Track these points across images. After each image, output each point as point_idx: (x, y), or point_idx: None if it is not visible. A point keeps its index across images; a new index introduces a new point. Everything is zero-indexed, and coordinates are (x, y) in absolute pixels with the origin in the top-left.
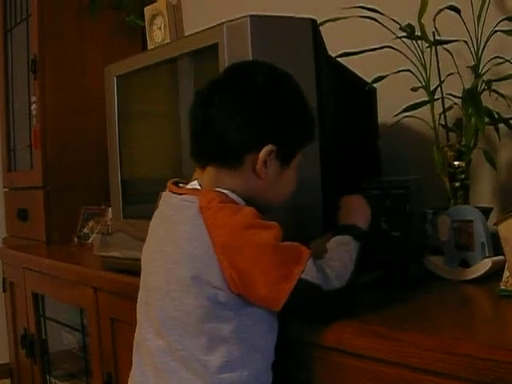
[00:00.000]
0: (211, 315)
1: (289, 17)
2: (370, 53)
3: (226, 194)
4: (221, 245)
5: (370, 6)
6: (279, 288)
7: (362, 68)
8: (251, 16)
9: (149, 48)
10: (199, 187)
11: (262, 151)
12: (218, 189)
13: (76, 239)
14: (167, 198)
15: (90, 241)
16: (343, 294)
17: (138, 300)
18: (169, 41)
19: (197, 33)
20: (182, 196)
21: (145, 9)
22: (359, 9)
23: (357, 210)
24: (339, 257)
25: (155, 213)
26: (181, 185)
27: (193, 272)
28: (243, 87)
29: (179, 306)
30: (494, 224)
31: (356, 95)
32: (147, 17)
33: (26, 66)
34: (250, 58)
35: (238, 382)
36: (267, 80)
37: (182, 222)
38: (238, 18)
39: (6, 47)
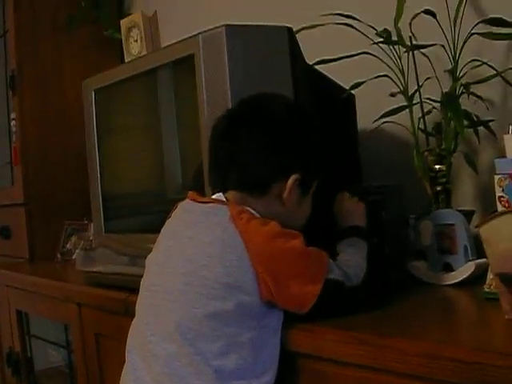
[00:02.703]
0: (234, 320)
1: (265, 25)
2: (347, 59)
3: (252, 212)
4: (255, 251)
5: (346, 13)
6: (308, 290)
7: (339, 75)
8: (226, 26)
9: (126, 60)
10: (225, 200)
11: (290, 180)
12: (248, 208)
13: (59, 255)
14: (189, 207)
15: (74, 257)
16: (361, 291)
17: (138, 302)
18: (145, 53)
19: (173, 44)
20: (211, 204)
21: (121, 21)
22: (336, 16)
23: (351, 211)
24: (351, 257)
25: (169, 220)
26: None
27: (223, 277)
28: (266, 118)
29: (199, 309)
30: (476, 226)
31: (334, 102)
32: (123, 29)
33: (4, 82)
34: (227, 68)
35: None
36: (287, 110)
37: (213, 228)
38: (213, 28)
39: None
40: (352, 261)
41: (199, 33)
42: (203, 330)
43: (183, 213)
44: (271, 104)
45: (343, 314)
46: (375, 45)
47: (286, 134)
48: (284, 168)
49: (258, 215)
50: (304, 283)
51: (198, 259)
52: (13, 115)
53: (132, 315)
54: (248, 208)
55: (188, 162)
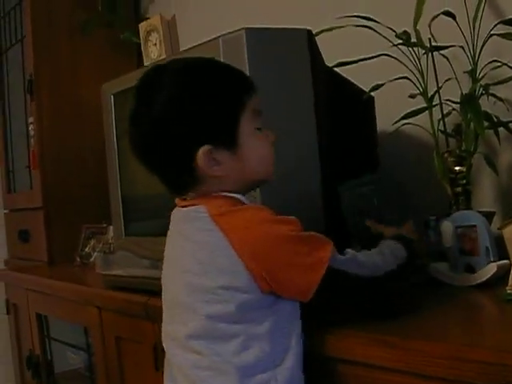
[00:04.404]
0: (243, 318)
1: (284, 28)
2: (366, 61)
3: (233, 197)
4: (244, 249)
5: (364, 15)
6: (308, 278)
7: (358, 77)
8: (247, 29)
9: (145, 64)
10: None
11: (198, 156)
12: (224, 193)
13: (78, 259)
14: (176, 213)
15: (92, 260)
16: (376, 283)
17: (163, 320)
18: (164, 56)
19: (193, 47)
20: (189, 208)
21: (139, 25)
22: (354, 18)
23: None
24: (383, 252)
25: (168, 232)
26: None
27: (219, 281)
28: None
29: (205, 316)
30: (499, 228)
31: (354, 104)
32: (142, 33)
33: (22, 86)
34: (247, 71)
35: (271, 381)
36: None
37: (198, 234)
38: (233, 31)
39: (1, 68)
40: (380, 255)
41: (219, 36)
42: (215, 334)
43: (172, 222)
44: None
45: (351, 304)
46: (394, 46)
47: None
48: (187, 148)
49: (240, 198)
50: (301, 271)
51: (192, 268)
52: (30, 119)
53: (152, 318)
54: (223, 194)
55: None
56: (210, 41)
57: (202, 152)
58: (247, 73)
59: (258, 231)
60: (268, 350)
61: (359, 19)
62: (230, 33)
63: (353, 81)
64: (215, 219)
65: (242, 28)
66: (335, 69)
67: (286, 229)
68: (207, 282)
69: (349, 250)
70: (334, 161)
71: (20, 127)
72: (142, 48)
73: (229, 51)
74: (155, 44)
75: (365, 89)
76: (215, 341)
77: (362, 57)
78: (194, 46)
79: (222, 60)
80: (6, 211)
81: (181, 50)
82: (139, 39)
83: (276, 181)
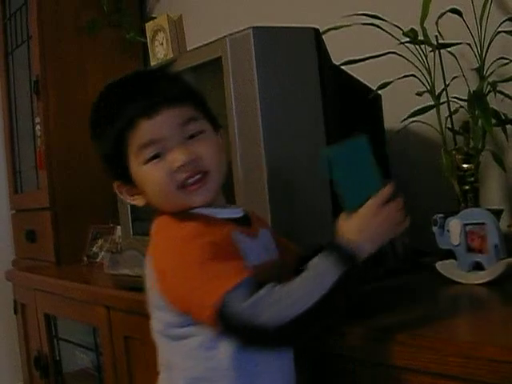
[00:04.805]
0: (173, 337)
1: (291, 27)
2: (372, 59)
3: (163, 219)
4: (155, 269)
5: (371, 13)
6: (204, 307)
7: (364, 75)
8: (254, 28)
9: (152, 64)
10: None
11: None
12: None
13: (85, 258)
14: None
15: (99, 259)
16: (275, 334)
17: None
18: (172, 56)
19: (200, 47)
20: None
21: (146, 25)
22: (361, 16)
23: (374, 223)
24: (305, 279)
25: None
26: None
27: (152, 300)
28: None
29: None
30: (508, 226)
31: (361, 103)
32: (149, 33)
33: (28, 87)
34: (255, 71)
35: None
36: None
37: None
38: (240, 31)
39: (7, 69)
40: (296, 293)
41: (226, 35)
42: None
43: None
44: None
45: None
46: (400, 44)
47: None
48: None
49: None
50: (199, 296)
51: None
52: (37, 119)
53: None
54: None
55: None
56: (216, 40)
57: (115, 187)
58: (254, 72)
59: (168, 252)
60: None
61: (366, 17)
62: (237, 32)
63: (359, 79)
64: (151, 235)
65: (250, 27)
66: (342, 67)
67: (195, 253)
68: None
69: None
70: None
71: (26, 127)
72: (149, 47)
73: (236, 50)
74: (162, 43)
75: (370, 86)
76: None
77: (367, 55)
78: (201, 46)
79: (229, 59)
80: (13, 212)
81: (188, 49)
82: (145, 39)
83: (285, 182)
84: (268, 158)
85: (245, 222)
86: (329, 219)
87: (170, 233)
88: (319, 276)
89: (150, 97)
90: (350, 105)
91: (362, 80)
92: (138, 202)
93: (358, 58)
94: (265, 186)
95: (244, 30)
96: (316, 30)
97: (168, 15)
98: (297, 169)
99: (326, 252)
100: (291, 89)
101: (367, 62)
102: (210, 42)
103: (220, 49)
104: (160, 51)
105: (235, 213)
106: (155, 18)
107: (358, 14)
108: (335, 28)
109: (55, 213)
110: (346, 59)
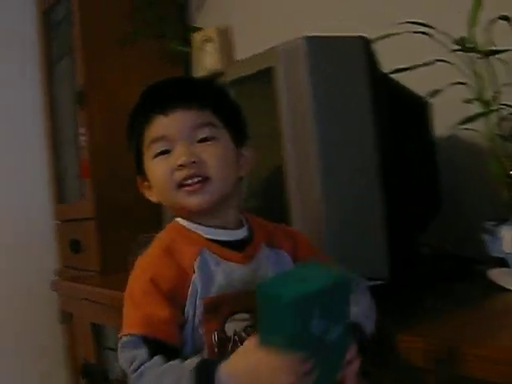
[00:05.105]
0: None
1: (341, 36)
2: (420, 67)
3: (175, 223)
4: None
5: (419, 21)
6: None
7: (412, 82)
8: (307, 37)
9: (199, 74)
10: None
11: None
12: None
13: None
14: None
15: None
16: None
17: None
18: (220, 66)
19: (251, 57)
20: None
21: (193, 35)
22: (409, 24)
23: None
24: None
25: None
26: None
27: None
28: None
29: None
30: None
31: (411, 111)
32: (197, 43)
33: (70, 97)
34: (307, 80)
35: None
36: None
37: None
38: (292, 40)
39: (51, 80)
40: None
41: (278, 45)
42: None
43: None
44: None
45: None
46: (451, 52)
47: None
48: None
49: (179, 220)
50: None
51: None
52: (81, 130)
53: None
54: (174, 220)
55: (263, 173)
56: (268, 50)
57: (138, 181)
58: (306, 82)
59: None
60: None
61: (414, 25)
62: (288, 42)
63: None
64: None
65: (302, 37)
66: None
67: (135, 288)
68: None
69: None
70: (395, 167)
71: (69, 137)
72: (196, 58)
73: (288, 60)
74: (210, 54)
75: (419, 94)
76: None
77: (415, 63)
78: (252, 56)
79: (281, 69)
80: (57, 222)
81: (237, 59)
82: (188, 48)
83: (340, 195)
84: (321, 167)
85: (237, 245)
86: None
87: (142, 254)
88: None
89: (170, 96)
90: (400, 113)
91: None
92: (152, 198)
93: (407, 66)
94: (318, 195)
95: (296, 39)
96: (366, 39)
97: (217, 26)
98: (346, 182)
99: (200, 369)
100: (342, 98)
101: (413, 69)
102: (261, 53)
103: (271, 59)
104: (208, 61)
105: (229, 235)
106: (197, 27)
107: (406, 22)
108: (385, 36)
109: (100, 222)
110: (396, 67)
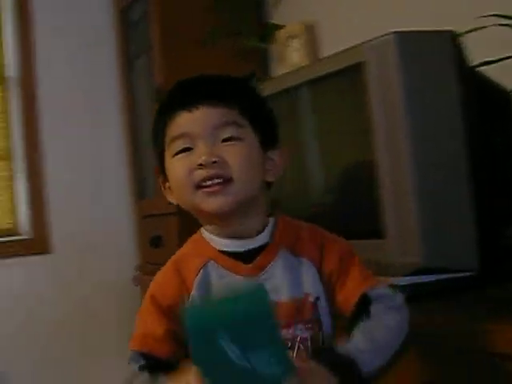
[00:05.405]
0: None
1: (429, 31)
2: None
3: (197, 236)
4: None
5: (505, 14)
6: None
7: (496, 75)
8: (395, 33)
9: (282, 71)
10: None
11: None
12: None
13: None
14: None
15: None
16: None
17: None
18: (306, 63)
19: (339, 53)
20: None
21: (279, 31)
22: (494, 17)
23: None
24: None
25: None
26: None
27: None
28: None
29: None
30: None
31: (497, 104)
32: (282, 39)
33: (149, 95)
34: (398, 76)
35: None
36: None
37: None
38: (381, 36)
39: (130, 77)
40: None
41: (367, 41)
42: None
43: None
44: None
45: None
46: None
47: None
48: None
49: (203, 231)
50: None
51: None
52: None
53: None
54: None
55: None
56: (356, 46)
57: (159, 182)
58: (397, 77)
59: None
60: None
61: (499, 18)
62: (377, 37)
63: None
64: None
65: (391, 32)
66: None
67: (144, 303)
68: None
69: None
70: (484, 161)
71: (148, 134)
72: (280, 55)
73: (377, 56)
74: (296, 50)
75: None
76: None
77: (502, 56)
78: (339, 52)
79: (371, 64)
80: (137, 217)
81: (323, 56)
82: (265, 45)
83: (432, 191)
84: (412, 161)
85: (250, 255)
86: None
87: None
88: None
89: (195, 93)
90: (487, 106)
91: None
92: (173, 200)
93: (493, 59)
94: (410, 188)
95: (385, 35)
96: (454, 33)
97: (302, 22)
98: (439, 176)
99: None
100: (431, 93)
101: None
102: (349, 49)
103: (361, 54)
104: (294, 58)
105: (243, 245)
106: (276, 24)
107: (491, 15)
108: (472, 30)
109: (182, 218)
110: (485, 60)
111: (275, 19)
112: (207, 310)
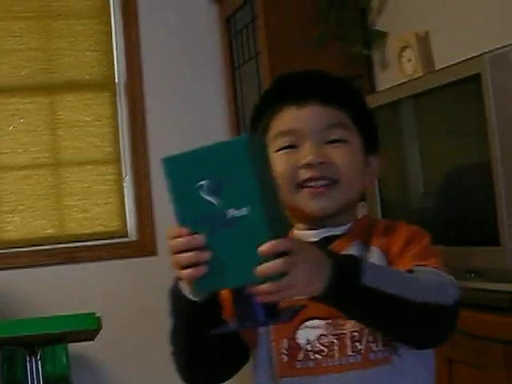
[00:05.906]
0: None
1: None
2: None
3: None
4: None
5: None
6: None
7: None
8: None
9: (401, 82)
10: None
11: None
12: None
13: None
14: None
15: None
16: None
17: None
18: (420, 73)
19: (456, 64)
20: None
21: (392, 41)
22: None
23: None
24: None
25: None
26: None
27: None
28: None
29: None
30: None
31: None
32: (395, 49)
33: (256, 101)
34: None
35: None
36: None
37: None
38: (500, 47)
39: (234, 85)
40: None
41: (485, 52)
42: None
43: None
44: None
45: None
46: None
47: None
48: None
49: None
50: None
51: None
52: None
53: None
54: None
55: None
56: (474, 57)
57: None
58: None
59: None
60: None
61: None
62: (496, 49)
63: None
64: None
65: (509, 44)
66: None
67: None
68: None
69: None
70: None
71: None
72: (397, 64)
73: (496, 67)
74: (409, 60)
75: None
76: None
77: None
78: (456, 64)
79: (489, 75)
80: None
81: (437, 67)
82: (368, 51)
83: None
84: None
85: (321, 245)
86: None
87: None
88: None
89: (307, 87)
90: None
91: None
92: None
93: None
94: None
95: (504, 46)
96: None
97: (416, 32)
98: None
99: None
100: None
101: None
102: (467, 59)
103: (477, 66)
104: (408, 68)
105: (314, 235)
106: (381, 31)
107: None
108: None
109: None
110: None
111: (378, 26)
112: (184, 156)
